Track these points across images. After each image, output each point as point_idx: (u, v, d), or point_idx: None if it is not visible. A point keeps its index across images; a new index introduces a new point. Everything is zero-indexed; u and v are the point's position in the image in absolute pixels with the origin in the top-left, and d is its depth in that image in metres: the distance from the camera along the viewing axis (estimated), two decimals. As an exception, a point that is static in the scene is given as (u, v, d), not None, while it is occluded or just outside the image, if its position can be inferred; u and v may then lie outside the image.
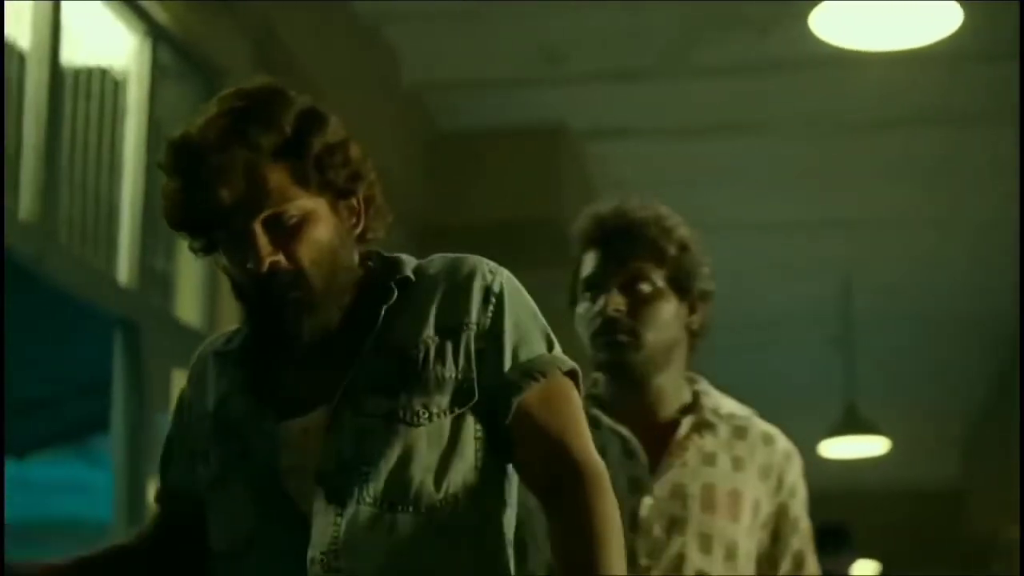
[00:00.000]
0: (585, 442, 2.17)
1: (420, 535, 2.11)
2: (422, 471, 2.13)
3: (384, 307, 2.22)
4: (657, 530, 2.75)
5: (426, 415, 2.15)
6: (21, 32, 4.85)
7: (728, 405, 2.92)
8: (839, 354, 10.61)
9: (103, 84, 5.46)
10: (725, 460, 2.82)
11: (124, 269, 5.43)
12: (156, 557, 2.36)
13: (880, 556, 14.27)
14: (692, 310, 2.87)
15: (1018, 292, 9.09)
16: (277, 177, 2.19)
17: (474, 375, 2.18)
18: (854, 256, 9.77)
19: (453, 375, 2.17)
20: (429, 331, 2.19)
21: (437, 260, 2.36)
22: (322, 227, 2.23)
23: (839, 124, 7.96)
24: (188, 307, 5.95)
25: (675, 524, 2.76)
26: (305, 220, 2.20)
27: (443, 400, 2.16)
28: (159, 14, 5.50)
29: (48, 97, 4.85)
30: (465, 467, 2.16)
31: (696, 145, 8.25)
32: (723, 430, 2.86)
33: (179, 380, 5.78)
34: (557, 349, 2.26)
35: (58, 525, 10.60)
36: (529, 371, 2.19)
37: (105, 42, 5.49)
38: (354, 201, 2.31)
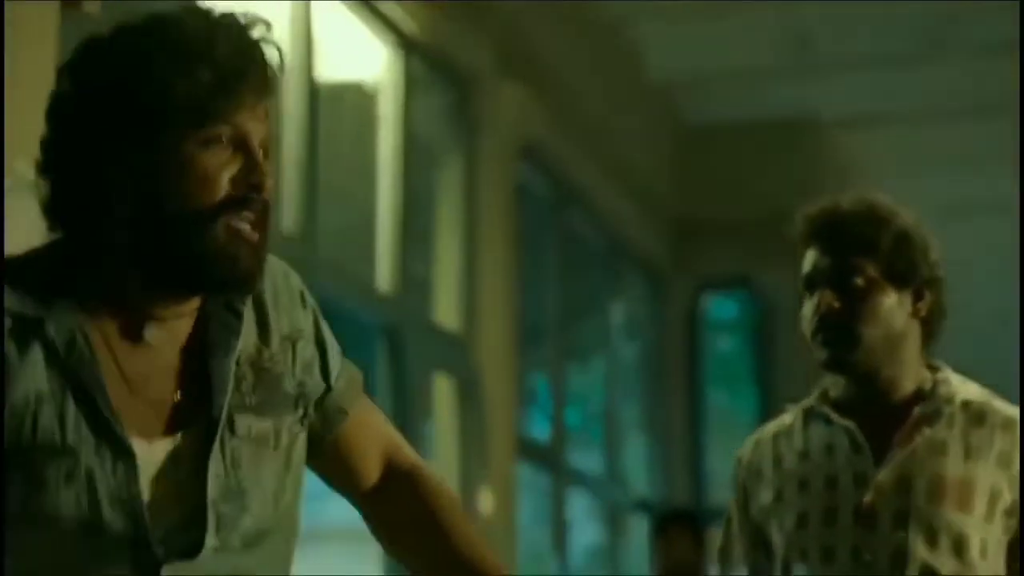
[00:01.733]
0: (407, 443, 2.12)
1: (275, 563, 1.93)
2: (273, 496, 1.91)
3: (241, 305, 1.92)
4: (882, 524, 2.70)
5: (286, 436, 1.92)
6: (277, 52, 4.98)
7: (967, 391, 2.84)
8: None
9: (358, 97, 5.57)
10: (957, 449, 2.75)
11: (384, 277, 5.53)
12: None
13: None
14: (918, 297, 2.81)
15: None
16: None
17: (306, 388, 1.96)
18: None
19: (293, 391, 1.95)
20: (275, 340, 1.94)
21: None
22: None
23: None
24: (447, 312, 6.04)
25: (899, 517, 2.70)
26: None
27: (290, 419, 1.94)
28: (408, 25, 5.60)
29: (306, 113, 4.98)
30: (295, 488, 1.95)
31: (952, 128, 8.07)
32: (957, 418, 2.78)
33: (441, 385, 5.88)
34: None
35: (328, 530, 10.84)
36: (353, 379, 2.04)
37: (357, 56, 5.61)
38: None
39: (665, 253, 8.76)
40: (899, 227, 2.77)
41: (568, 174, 7.32)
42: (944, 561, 2.68)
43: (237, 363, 1.89)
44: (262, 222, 1.83)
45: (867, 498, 2.71)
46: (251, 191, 1.82)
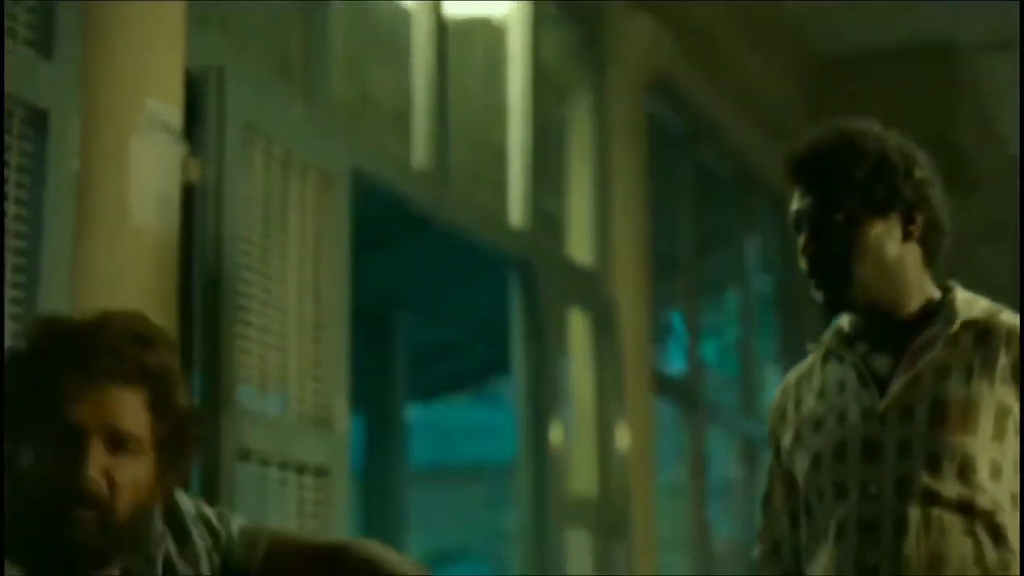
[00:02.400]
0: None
1: None
2: None
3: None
4: (887, 454, 2.65)
5: None
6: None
7: (970, 310, 2.76)
8: None
9: (486, 32, 5.56)
10: (959, 370, 2.68)
11: (516, 211, 5.53)
12: None
13: None
14: (908, 221, 2.74)
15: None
16: None
17: None
18: None
19: None
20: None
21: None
22: None
23: None
24: (579, 246, 6.03)
25: (904, 446, 2.65)
26: None
27: None
28: (536, -41, 5.57)
29: (435, 50, 4.97)
30: None
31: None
32: (961, 338, 2.71)
33: (575, 319, 5.88)
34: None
35: (464, 467, 10.93)
36: (251, 536, 2.26)
37: (486, -9, 5.60)
38: None
39: (799, 185, 8.66)
40: (874, 154, 2.72)
41: (699, 106, 7.25)
42: (948, 485, 2.62)
43: None
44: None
45: (874, 431, 2.67)
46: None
